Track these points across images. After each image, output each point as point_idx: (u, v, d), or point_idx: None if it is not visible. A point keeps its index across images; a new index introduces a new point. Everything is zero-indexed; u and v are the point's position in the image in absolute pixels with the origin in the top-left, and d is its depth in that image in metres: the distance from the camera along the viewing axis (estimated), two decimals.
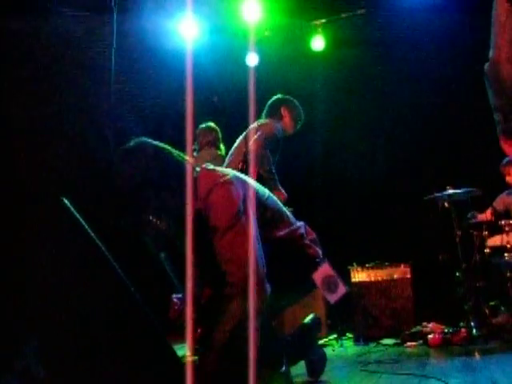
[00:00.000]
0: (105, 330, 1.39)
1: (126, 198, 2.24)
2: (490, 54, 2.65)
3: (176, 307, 2.45)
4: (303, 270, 2.45)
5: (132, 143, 2.30)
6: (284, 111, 4.21)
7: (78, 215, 1.45)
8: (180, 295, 2.47)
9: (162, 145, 2.33)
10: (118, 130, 4.99)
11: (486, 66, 2.63)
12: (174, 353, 1.59)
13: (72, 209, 1.45)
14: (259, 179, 3.84)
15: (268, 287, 2.16)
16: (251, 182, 2.44)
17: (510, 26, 2.73)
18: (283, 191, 4.11)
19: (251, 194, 2.30)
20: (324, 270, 2.45)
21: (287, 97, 4.30)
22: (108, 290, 1.41)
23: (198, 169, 2.37)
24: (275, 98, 4.31)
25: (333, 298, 2.45)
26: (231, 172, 2.37)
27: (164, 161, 2.28)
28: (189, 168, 2.28)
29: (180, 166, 2.28)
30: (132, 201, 2.23)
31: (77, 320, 1.36)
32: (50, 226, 1.42)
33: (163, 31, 5.81)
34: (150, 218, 2.22)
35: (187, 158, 2.36)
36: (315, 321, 3.01)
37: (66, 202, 1.45)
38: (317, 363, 2.99)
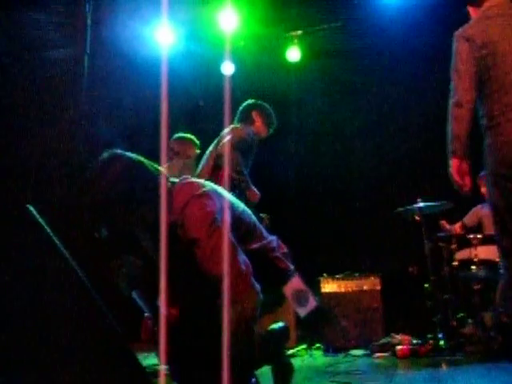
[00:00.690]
0: (65, 337, 1.36)
1: (100, 211, 2.21)
2: (452, 97, 2.89)
3: (148, 327, 2.44)
4: (274, 282, 2.45)
5: (105, 155, 2.27)
6: (256, 116, 4.18)
7: (43, 222, 1.42)
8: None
9: (135, 157, 2.31)
10: (90, 137, 4.96)
11: (449, 105, 2.90)
12: (136, 360, 1.56)
13: (37, 216, 1.42)
14: (231, 181, 3.85)
15: (258, 287, 2.16)
16: (227, 195, 2.44)
17: (470, 63, 2.94)
18: (256, 190, 4.11)
19: (227, 207, 2.30)
20: (295, 284, 2.46)
21: (259, 102, 4.28)
22: (70, 298, 1.39)
23: (172, 180, 2.35)
24: (247, 102, 4.28)
25: (303, 312, 2.46)
26: (208, 184, 2.36)
27: (138, 174, 2.26)
28: (163, 180, 2.26)
29: (154, 178, 2.26)
30: (107, 213, 2.21)
31: (37, 327, 1.34)
32: (14, 232, 1.39)
33: (139, 37, 5.80)
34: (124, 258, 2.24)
35: (161, 169, 2.34)
36: (283, 328, 3.01)
37: (31, 209, 1.43)
38: (284, 375, 2.98)
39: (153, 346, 2.32)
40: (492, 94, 2.90)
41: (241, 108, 4.22)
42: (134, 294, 2.39)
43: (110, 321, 1.44)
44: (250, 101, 4.25)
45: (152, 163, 2.33)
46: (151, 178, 2.26)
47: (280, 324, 3.01)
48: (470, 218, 5.06)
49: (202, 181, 2.46)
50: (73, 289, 1.39)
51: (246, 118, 4.23)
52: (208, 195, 2.24)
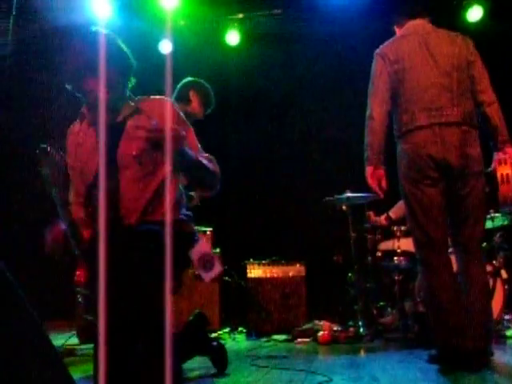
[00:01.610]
0: None
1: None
2: (368, 100, 3.14)
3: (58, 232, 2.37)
4: (180, 246, 2.40)
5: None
6: (193, 95, 4.00)
7: None
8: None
9: None
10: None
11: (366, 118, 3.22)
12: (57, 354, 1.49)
13: None
14: None
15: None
16: None
17: (382, 79, 3.21)
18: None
19: None
20: (201, 248, 2.43)
21: (197, 80, 4.10)
22: None
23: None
24: (185, 81, 4.08)
25: (208, 277, 2.44)
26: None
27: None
28: None
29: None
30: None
31: None
32: None
33: (74, 8, 5.61)
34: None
35: None
36: (199, 317, 3.03)
37: None
38: (218, 358, 3.02)
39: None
40: (401, 104, 3.18)
41: (178, 86, 4.05)
42: (54, 192, 2.36)
43: (23, 302, 1.36)
44: (188, 79, 4.07)
45: None
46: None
47: (195, 313, 3.04)
48: (395, 211, 5.20)
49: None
50: None
51: (182, 97, 4.07)
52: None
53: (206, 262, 2.44)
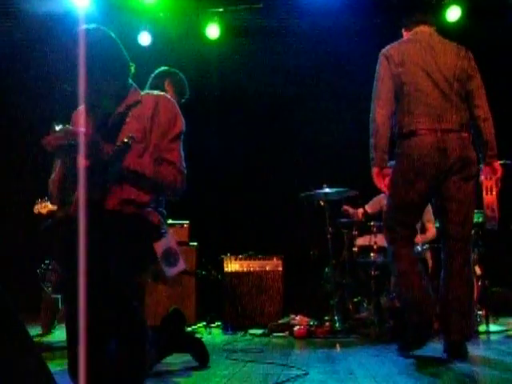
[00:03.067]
0: None
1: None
2: (370, 113, 3.21)
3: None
4: (145, 237, 2.39)
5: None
6: (168, 85, 3.94)
7: None
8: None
9: None
10: None
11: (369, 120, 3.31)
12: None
13: None
14: None
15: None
16: None
17: (386, 80, 3.29)
18: None
19: None
20: (166, 242, 2.41)
21: (172, 70, 4.03)
22: None
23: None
24: (159, 70, 4.01)
25: (171, 272, 2.42)
26: None
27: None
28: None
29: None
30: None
31: None
32: None
33: None
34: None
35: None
36: (175, 313, 3.02)
37: None
38: (198, 353, 3.02)
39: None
40: (404, 106, 3.28)
41: (153, 75, 3.99)
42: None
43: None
44: (162, 68, 4.01)
45: None
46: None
47: (171, 309, 3.03)
48: (372, 206, 5.25)
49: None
50: None
51: (156, 87, 4.01)
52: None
53: (171, 257, 2.41)
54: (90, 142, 2.24)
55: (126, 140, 2.22)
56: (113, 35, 2.48)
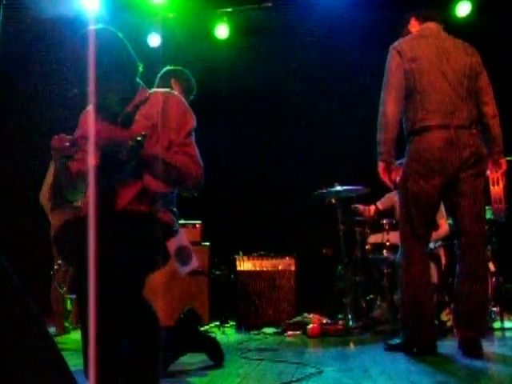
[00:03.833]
0: None
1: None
2: (381, 95, 3.21)
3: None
4: (158, 236, 2.39)
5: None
6: (174, 83, 3.94)
7: None
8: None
9: None
10: None
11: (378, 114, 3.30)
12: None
13: None
14: None
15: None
16: None
17: (397, 75, 3.29)
18: None
19: None
20: (179, 240, 2.42)
21: (178, 68, 4.05)
22: None
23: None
24: (166, 69, 4.02)
25: (184, 270, 2.43)
26: None
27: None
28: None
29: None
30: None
31: None
32: None
33: (62, 1, 5.58)
34: None
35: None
36: (189, 314, 3.03)
37: None
38: (213, 352, 3.03)
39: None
40: (416, 102, 3.29)
41: (160, 74, 4.01)
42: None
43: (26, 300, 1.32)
44: (168, 67, 4.03)
45: None
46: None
47: (185, 310, 3.03)
48: (384, 203, 5.24)
49: None
50: None
51: (163, 86, 4.02)
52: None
53: (183, 255, 2.42)
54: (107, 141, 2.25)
55: (139, 138, 2.21)
56: (120, 35, 2.48)
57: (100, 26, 2.46)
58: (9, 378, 1.20)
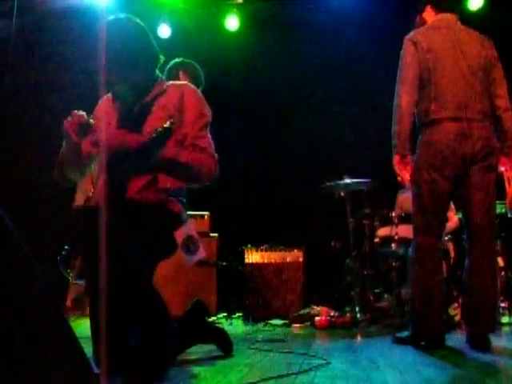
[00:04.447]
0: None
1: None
2: (395, 99, 3.19)
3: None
4: (166, 225, 2.40)
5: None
6: (182, 75, 3.93)
7: None
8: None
9: None
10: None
11: (393, 106, 3.28)
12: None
13: None
14: None
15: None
16: None
17: (412, 66, 3.26)
18: None
19: None
20: (186, 230, 2.42)
21: (186, 60, 4.03)
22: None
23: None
24: (173, 62, 4.01)
25: (191, 260, 2.44)
26: None
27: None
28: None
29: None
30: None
31: None
32: None
33: None
34: None
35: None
36: (197, 305, 3.03)
37: None
38: (221, 343, 3.04)
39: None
40: (430, 93, 3.26)
41: (168, 66, 3.99)
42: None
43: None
44: (176, 59, 4.01)
45: None
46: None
47: (193, 301, 3.04)
48: (397, 207, 5.25)
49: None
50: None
51: (172, 79, 4.01)
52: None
53: (190, 245, 2.42)
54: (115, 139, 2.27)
55: (166, 125, 2.22)
56: (143, 25, 2.49)
57: (123, 15, 2.48)
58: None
